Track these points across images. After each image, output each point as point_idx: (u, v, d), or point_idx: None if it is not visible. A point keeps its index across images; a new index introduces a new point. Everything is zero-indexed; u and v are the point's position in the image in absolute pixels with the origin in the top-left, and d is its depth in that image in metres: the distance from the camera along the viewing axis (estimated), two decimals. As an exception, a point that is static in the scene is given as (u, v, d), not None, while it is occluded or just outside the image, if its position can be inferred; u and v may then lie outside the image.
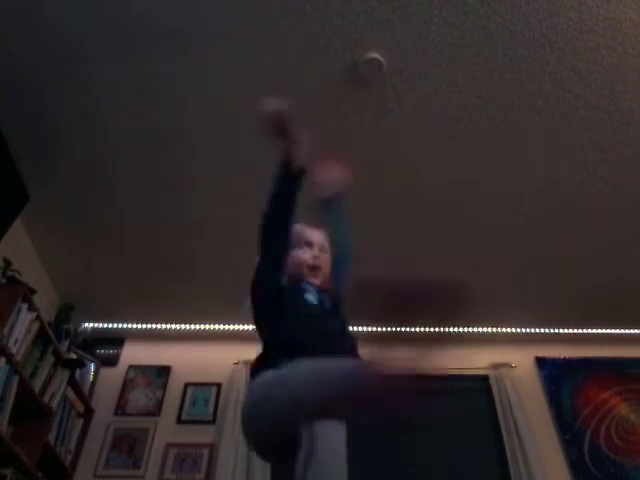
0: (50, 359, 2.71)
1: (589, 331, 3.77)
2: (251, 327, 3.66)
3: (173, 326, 3.65)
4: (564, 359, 3.69)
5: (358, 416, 1.37)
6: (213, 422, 3.25)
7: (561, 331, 3.78)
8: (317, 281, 1.62)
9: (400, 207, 2.93)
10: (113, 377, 3.45)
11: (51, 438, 2.75)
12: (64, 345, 2.97)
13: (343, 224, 1.83)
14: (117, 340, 3.65)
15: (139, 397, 3.37)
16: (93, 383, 3.33)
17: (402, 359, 1.21)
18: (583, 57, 2.29)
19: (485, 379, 3.53)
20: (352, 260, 1.75)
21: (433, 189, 2.84)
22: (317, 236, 1.70)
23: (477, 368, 3.55)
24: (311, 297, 1.57)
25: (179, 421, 3.28)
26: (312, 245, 1.65)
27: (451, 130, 2.57)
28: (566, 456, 3.22)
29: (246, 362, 3.40)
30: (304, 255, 1.63)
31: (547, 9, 2.14)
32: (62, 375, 2.82)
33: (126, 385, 3.43)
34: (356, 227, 3.00)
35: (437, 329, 3.71)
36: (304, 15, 2.14)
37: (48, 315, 3.06)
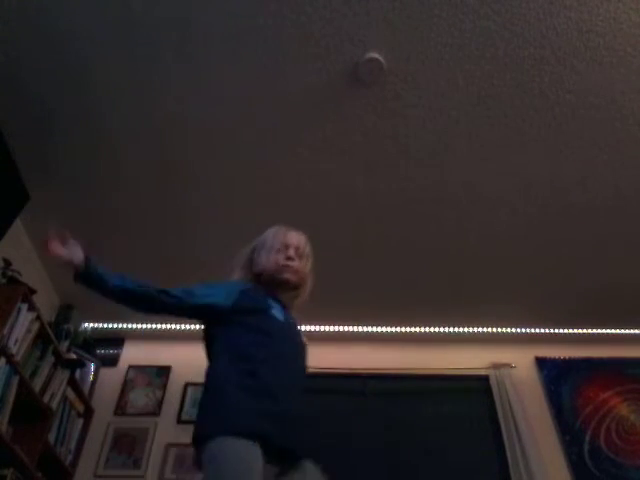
0: (50, 359, 2.71)
1: (589, 331, 3.77)
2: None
3: (173, 326, 3.64)
4: (564, 359, 3.69)
5: None
6: (213, 422, 3.25)
7: (561, 331, 3.78)
8: (293, 278, 1.63)
9: (399, 207, 2.93)
10: (113, 377, 3.45)
11: (51, 438, 2.75)
12: (64, 345, 2.96)
13: None
14: (117, 340, 3.65)
15: (139, 397, 3.37)
16: (93, 383, 3.33)
17: None
18: (583, 57, 2.29)
19: (485, 379, 3.53)
20: None
21: (433, 189, 2.83)
22: (289, 238, 1.71)
23: (477, 368, 3.56)
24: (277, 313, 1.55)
25: (179, 421, 3.27)
26: (280, 249, 1.67)
27: (451, 130, 2.57)
28: (566, 456, 3.22)
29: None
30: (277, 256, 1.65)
31: (547, 9, 2.14)
32: (62, 375, 2.82)
33: (126, 385, 3.43)
34: (356, 226, 3.01)
35: (437, 329, 3.73)
36: (304, 15, 2.13)
37: (48, 315, 3.07)
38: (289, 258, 1.64)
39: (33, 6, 2.09)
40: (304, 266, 1.68)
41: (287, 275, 1.63)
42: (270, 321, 1.51)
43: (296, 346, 1.57)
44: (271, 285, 1.64)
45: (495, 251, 3.19)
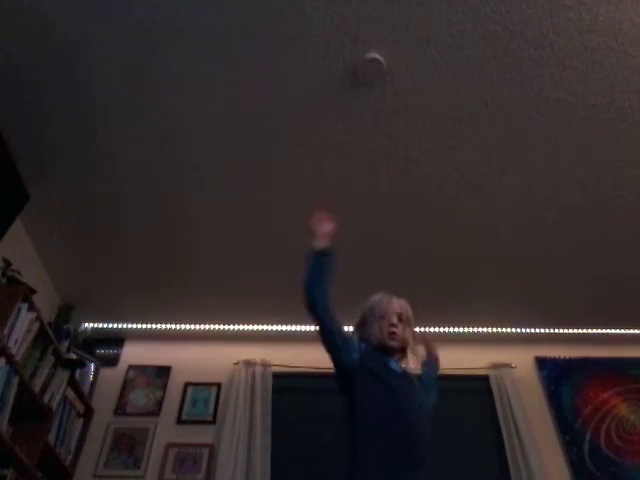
0: (50, 359, 2.70)
1: (589, 331, 3.77)
2: (251, 327, 3.69)
3: (173, 326, 3.65)
4: (564, 359, 3.69)
5: None
6: (213, 422, 3.25)
7: (561, 331, 3.77)
8: (397, 344, 1.78)
9: (400, 206, 2.93)
10: (113, 377, 3.45)
11: (51, 438, 2.75)
12: (64, 345, 2.96)
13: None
14: (117, 340, 3.65)
15: (139, 397, 3.37)
16: (93, 383, 3.33)
17: None
18: (583, 57, 2.29)
19: (485, 379, 3.53)
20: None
21: (433, 189, 2.84)
22: (393, 307, 1.86)
23: (477, 368, 3.55)
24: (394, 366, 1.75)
25: (179, 421, 3.28)
26: (384, 317, 1.81)
27: (451, 130, 2.57)
28: (566, 456, 3.22)
29: (246, 362, 3.41)
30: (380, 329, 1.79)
31: (547, 9, 2.14)
32: (62, 375, 2.81)
33: (126, 385, 3.43)
34: (356, 226, 3.01)
35: (437, 329, 3.72)
36: (304, 15, 2.14)
37: (48, 315, 3.07)
38: (393, 325, 1.79)
39: (33, 6, 2.09)
40: (407, 331, 1.83)
41: (392, 343, 1.77)
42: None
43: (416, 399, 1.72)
44: (379, 346, 1.78)
45: (495, 251, 3.19)
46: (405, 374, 1.77)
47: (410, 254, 3.20)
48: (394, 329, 1.78)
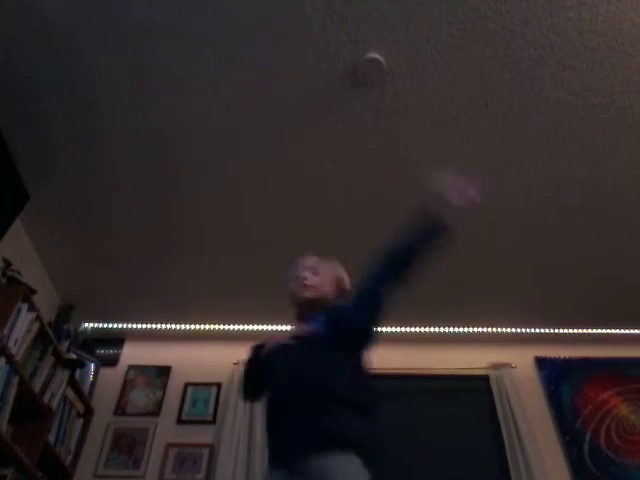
0: (50, 359, 2.71)
1: (589, 331, 3.77)
2: (251, 327, 3.72)
3: (173, 326, 3.65)
4: (564, 359, 3.68)
5: None
6: (213, 422, 3.25)
7: (561, 331, 3.77)
8: (311, 292, 1.72)
9: (399, 206, 2.93)
10: (113, 377, 3.45)
11: (51, 438, 2.75)
12: (64, 345, 2.96)
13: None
14: (117, 340, 3.65)
15: (139, 397, 3.37)
16: (93, 383, 3.33)
17: None
18: (583, 57, 2.29)
19: (485, 379, 3.53)
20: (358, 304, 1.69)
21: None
22: (300, 265, 1.81)
23: (477, 368, 3.55)
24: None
25: (179, 421, 3.28)
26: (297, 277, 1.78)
27: (451, 130, 2.57)
28: (566, 456, 3.22)
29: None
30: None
31: (547, 9, 2.14)
32: (62, 375, 2.82)
33: (126, 385, 3.43)
34: (356, 226, 3.01)
35: (437, 329, 3.72)
36: (304, 15, 2.14)
37: (48, 315, 3.06)
38: (302, 278, 1.75)
39: (34, 6, 2.09)
40: (324, 278, 1.78)
41: (307, 292, 1.73)
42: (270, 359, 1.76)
43: (294, 362, 1.62)
44: (300, 309, 1.77)
45: (495, 251, 3.19)
46: (295, 345, 1.68)
47: (410, 254, 3.19)
48: (303, 281, 1.73)
